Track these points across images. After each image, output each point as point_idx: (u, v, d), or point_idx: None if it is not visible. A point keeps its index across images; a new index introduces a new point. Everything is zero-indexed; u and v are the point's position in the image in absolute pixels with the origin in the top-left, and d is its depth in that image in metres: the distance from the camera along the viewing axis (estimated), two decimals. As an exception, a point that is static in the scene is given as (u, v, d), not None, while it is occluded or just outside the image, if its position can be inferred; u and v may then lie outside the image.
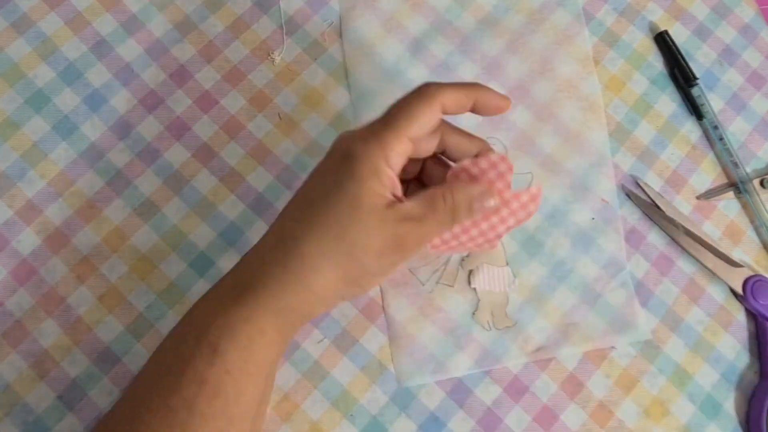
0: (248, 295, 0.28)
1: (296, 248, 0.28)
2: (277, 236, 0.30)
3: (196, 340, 0.28)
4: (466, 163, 0.32)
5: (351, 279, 0.29)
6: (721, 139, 0.42)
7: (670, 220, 0.40)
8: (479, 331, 0.38)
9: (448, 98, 0.30)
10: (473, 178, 0.33)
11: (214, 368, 0.27)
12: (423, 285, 0.39)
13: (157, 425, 0.27)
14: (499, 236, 0.34)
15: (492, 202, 0.32)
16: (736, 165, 0.42)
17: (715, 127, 0.42)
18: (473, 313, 0.38)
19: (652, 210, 0.41)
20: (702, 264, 0.40)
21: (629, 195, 0.41)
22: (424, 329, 0.38)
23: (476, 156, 0.33)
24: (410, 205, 0.30)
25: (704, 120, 0.43)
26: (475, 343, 0.38)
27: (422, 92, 0.30)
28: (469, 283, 0.39)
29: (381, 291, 0.38)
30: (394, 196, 0.30)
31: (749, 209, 0.42)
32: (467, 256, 0.39)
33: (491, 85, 0.42)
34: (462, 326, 0.38)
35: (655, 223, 0.41)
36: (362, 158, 0.29)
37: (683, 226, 0.40)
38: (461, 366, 0.38)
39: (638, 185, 0.41)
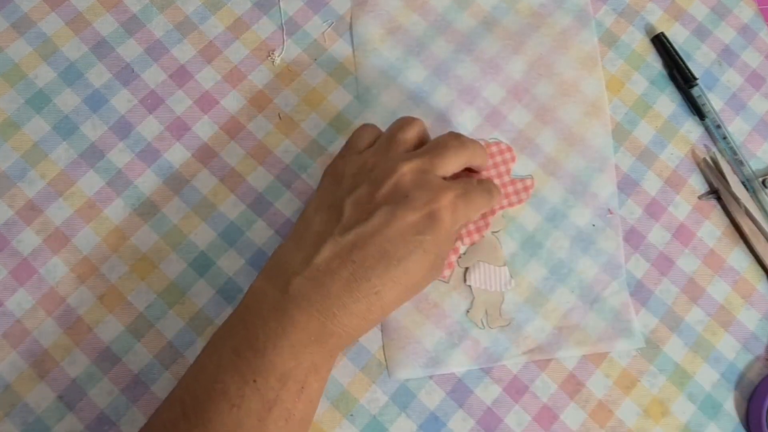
0: (333, 341, 0.31)
1: (378, 302, 0.31)
2: (350, 284, 0.31)
3: (281, 382, 0.29)
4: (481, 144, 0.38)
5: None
6: (724, 138, 0.42)
7: (735, 197, 0.40)
8: (474, 328, 0.38)
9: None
10: None
11: (300, 403, 0.30)
12: None
13: None
14: (492, 212, 0.40)
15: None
16: (741, 163, 0.42)
17: (718, 126, 0.42)
18: (467, 311, 0.38)
19: (719, 180, 0.41)
20: (753, 249, 0.40)
21: (698, 164, 0.41)
22: (419, 324, 0.38)
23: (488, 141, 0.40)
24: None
25: (706, 119, 0.43)
26: (470, 340, 0.38)
27: (493, 190, 0.37)
28: (465, 280, 0.39)
29: None
30: None
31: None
32: (464, 253, 0.39)
33: (491, 86, 0.42)
34: (457, 323, 0.38)
35: (716, 195, 0.41)
36: (448, 227, 0.32)
37: (745, 207, 0.40)
38: (455, 362, 0.38)
39: (710, 157, 0.41)
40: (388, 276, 0.31)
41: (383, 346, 0.38)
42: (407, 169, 0.32)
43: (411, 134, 0.35)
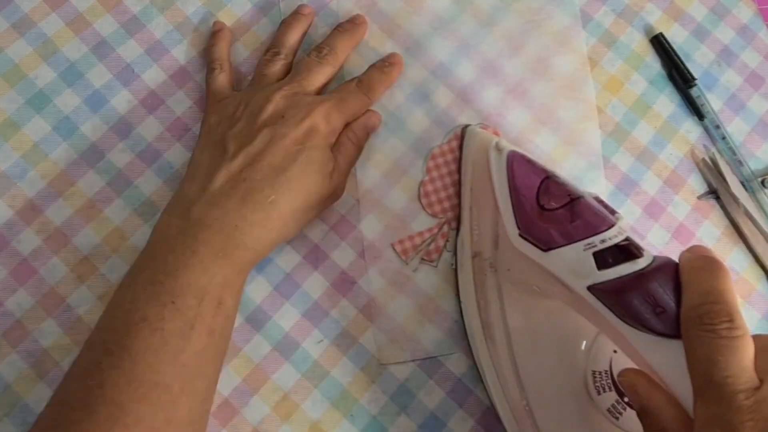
0: (240, 254, 0.33)
1: (275, 210, 0.34)
2: (246, 197, 0.33)
3: (198, 299, 0.31)
4: None
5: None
6: (723, 138, 0.42)
7: (734, 198, 0.40)
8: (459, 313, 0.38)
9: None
10: None
11: (219, 318, 0.32)
12: (407, 264, 0.39)
13: (171, 380, 0.29)
14: None
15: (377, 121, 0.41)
16: (740, 163, 0.42)
17: (717, 127, 0.42)
18: (456, 295, 0.38)
19: (718, 181, 0.41)
20: (753, 249, 0.41)
21: (697, 164, 0.41)
22: (405, 308, 0.38)
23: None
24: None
25: (705, 120, 0.43)
26: (456, 325, 0.38)
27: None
28: (452, 265, 0.39)
29: (367, 271, 0.39)
30: None
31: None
32: (452, 237, 0.39)
33: (489, 86, 0.42)
34: (442, 306, 0.38)
35: (715, 195, 0.41)
36: (325, 134, 0.37)
37: (745, 207, 0.40)
38: (443, 346, 0.38)
39: (709, 157, 0.42)
40: (279, 184, 0.34)
41: (372, 332, 0.38)
42: (279, 95, 0.37)
43: (275, 68, 0.39)
